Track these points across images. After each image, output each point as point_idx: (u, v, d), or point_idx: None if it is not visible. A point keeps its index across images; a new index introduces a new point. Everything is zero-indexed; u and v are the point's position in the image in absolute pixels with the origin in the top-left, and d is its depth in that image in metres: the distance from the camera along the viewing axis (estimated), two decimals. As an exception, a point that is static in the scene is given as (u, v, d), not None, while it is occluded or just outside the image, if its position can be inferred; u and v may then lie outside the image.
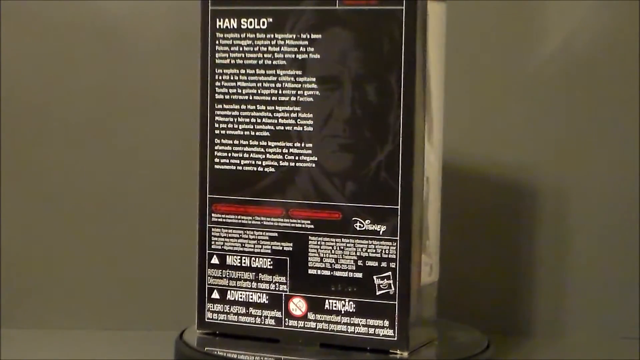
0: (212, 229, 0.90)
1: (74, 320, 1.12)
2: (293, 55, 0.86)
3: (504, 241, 1.11)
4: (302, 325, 0.88)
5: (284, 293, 0.88)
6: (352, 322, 0.86)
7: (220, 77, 0.89)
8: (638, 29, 1.07)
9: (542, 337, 1.10)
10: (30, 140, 1.13)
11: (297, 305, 0.88)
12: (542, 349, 1.06)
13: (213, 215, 0.90)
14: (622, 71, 1.08)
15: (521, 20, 1.10)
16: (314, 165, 0.86)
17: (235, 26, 0.88)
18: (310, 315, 0.87)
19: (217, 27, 0.89)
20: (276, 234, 0.88)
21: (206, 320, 0.90)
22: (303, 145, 0.87)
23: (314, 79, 0.86)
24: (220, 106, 0.89)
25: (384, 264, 0.85)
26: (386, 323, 0.85)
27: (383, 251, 0.85)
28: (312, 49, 0.86)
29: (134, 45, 1.12)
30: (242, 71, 0.88)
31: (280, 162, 0.87)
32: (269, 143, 0.88)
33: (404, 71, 0.83)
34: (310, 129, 0.86)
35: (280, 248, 0.88)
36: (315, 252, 0.87)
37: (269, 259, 0.88)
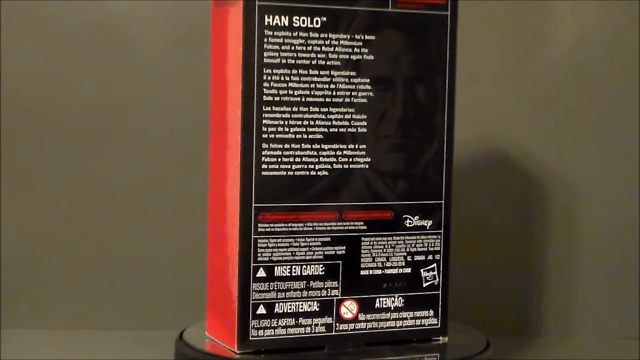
0: (259, 240, 0.83)
1: (74, 320, 1.11)
2: (347, 56, 0.85)
3: (512, 242, 1.14)
4: (352, 327, 0.87)
5: (335, 298, 0.86)
6: (400, 316, 0.88)
7: (269, 78, 0.83)
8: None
9: (550, 337, 1.13)
10: (31, 140, 1.10)
11: (349, 308, 0.87)
12: (547, 349, 1.09)
13: (259, 225, 0.83)
14: (633, 71, 1.12)
15: (530, 21, 1.12)
16: (367, 166, 0.86)
17: (287, 24, 0.83)
18: (361, 316, 0.87)
19: (267, 24, 0.82)
20: (329, 239, 0.86)
21: (250, 338, 0.84)
22: (357, 146, 0.86)
23: (367, 80, 0.86)
24: (269, 108, 0.83)
25: (429, 257, 0.89)
26: (431, 312, 0.90)
27: (429, 244, 0.89)
28: (366, 50, 0.85)
29: (137, 45, 1.10)
30: (294, 71, 0.83)
31: (334, 164, 0.85)
32: (322, 146, 0.85)
33: (449, 73, 0.88)
34: (364, 130, 0.86)
35: (333, 252, 0.86)
36: (367, 253, 0.87)
37: (321, 265, 0.86)
